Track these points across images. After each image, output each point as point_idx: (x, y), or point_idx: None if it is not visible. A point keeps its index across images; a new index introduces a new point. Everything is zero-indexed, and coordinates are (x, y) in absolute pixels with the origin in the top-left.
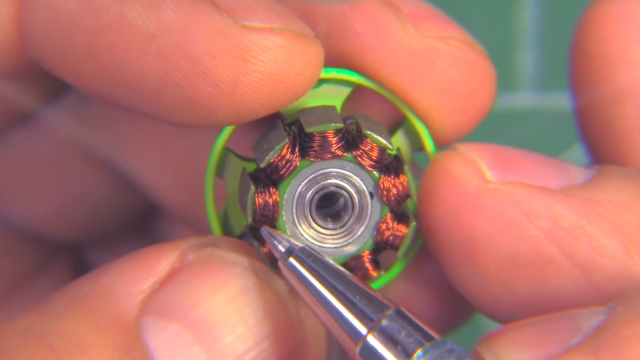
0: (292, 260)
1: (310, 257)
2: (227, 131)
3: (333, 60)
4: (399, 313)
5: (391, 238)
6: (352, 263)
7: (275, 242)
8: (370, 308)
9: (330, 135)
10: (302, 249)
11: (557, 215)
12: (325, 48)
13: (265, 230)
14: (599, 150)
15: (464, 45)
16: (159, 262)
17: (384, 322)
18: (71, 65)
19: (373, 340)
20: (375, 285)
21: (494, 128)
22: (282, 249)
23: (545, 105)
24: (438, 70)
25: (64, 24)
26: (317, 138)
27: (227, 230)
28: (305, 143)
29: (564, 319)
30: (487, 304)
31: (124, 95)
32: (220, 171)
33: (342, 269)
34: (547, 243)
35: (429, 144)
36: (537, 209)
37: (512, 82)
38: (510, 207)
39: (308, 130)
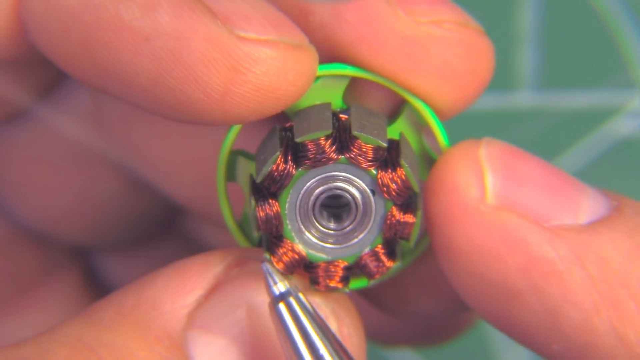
0: (281, 305)
1: (301, 307)
2: (230, 141)
3: (328, 51)
4: None
5: (399, 230)
6: (367, 259)
7: (270, 282)
8: None
9: (322, 141)
10: (295, 298)
11: (538, 256)
12: (319, 39)
13: (265, 267)
14: None
15: (458, 26)
16: (205, 274)
17: None
18: (67, 57)
19: None
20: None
21: (494, 128)
22: (276, 292)
23: (545, 105)
24: (433, 55)
25: (60, 17)
26: (309, 146)
27: (250, 234)
28: (299, 152)
29: None
30: (467, 307)
31: (118, 89)
32: (231, 175)
33: (329, 328)
34: (520, 279)
35: (435, 125)
36: (520, 243)
37: (512, 82)
38: (495, 234)
39: (298, 140)
